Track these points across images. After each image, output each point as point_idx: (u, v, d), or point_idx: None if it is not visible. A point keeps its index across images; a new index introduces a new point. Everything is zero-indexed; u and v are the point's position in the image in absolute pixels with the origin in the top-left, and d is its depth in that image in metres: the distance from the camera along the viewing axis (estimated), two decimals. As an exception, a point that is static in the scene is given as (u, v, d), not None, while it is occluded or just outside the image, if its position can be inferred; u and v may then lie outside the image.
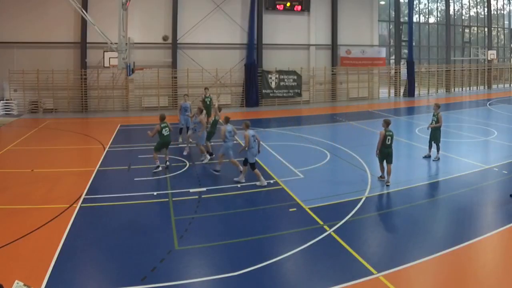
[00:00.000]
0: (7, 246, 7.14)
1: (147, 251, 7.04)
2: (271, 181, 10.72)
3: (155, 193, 9.95)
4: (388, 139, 10.52)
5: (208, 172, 11.61)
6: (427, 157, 13.02)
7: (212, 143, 13.53)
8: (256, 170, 10.38)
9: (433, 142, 12.88)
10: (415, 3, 33.27)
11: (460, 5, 36.70)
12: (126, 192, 9.99)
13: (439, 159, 12.73)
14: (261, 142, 10.80)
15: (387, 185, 10.42)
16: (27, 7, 22.88)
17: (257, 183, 10.40)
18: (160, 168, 11.65)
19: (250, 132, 10.39)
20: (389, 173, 10.58)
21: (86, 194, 9.81)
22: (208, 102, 16.84)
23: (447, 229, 7.93)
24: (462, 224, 8.06)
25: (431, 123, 12.84)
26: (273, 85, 27.52)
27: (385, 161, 10.63)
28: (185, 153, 13.66)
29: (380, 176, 10.92)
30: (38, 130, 18.54)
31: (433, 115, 12.88)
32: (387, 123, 10.68)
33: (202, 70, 25.71)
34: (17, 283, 4.25)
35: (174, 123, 15.38)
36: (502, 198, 9.71)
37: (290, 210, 8.82)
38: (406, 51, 32.76)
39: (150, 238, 7.56)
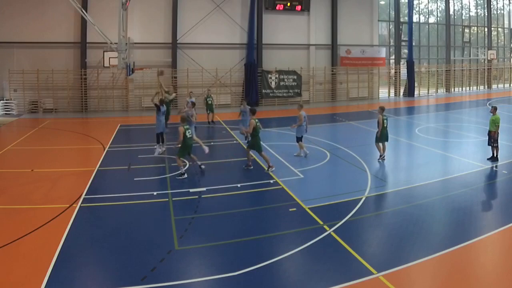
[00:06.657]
0: (7, 246, 7.13)
1: (147, 251, 7.03)
2: (271, 181, 10.73)
3: (155, 193, 9.94)
4: (385, 122, 12.61)
5: (208, 172, 11.61)
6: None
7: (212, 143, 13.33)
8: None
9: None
10: (415, 3, 33.28)
11: (460, 5, 36.69)
12: (126, 192, 9.99)
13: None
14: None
15: (384, 159, 12.57)
16: (27, 7, 22.89)
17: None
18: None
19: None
20: (384, 150, 12.78)
21: (86, 194, 9.80)
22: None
23: (447, 229, 7.92)
24: (462, 224, 8.05)
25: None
26: (273, 85, 27.52)
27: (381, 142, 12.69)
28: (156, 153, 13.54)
29: (381, 156, 12.64)
30: (38, 130, 18.54)
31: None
32: (382, 109, 12.73)
33: (202, 70, 25.72)
34: None
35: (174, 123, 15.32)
36: (502, 198, 9.73)
37: (290, 210, 8.81)
38: (406, 51, 32.77)
39: (150, 238, 7.55)
